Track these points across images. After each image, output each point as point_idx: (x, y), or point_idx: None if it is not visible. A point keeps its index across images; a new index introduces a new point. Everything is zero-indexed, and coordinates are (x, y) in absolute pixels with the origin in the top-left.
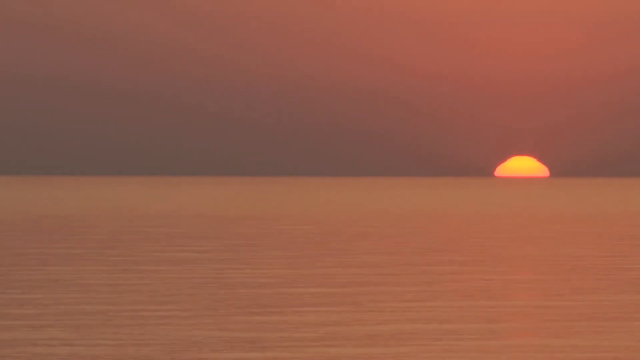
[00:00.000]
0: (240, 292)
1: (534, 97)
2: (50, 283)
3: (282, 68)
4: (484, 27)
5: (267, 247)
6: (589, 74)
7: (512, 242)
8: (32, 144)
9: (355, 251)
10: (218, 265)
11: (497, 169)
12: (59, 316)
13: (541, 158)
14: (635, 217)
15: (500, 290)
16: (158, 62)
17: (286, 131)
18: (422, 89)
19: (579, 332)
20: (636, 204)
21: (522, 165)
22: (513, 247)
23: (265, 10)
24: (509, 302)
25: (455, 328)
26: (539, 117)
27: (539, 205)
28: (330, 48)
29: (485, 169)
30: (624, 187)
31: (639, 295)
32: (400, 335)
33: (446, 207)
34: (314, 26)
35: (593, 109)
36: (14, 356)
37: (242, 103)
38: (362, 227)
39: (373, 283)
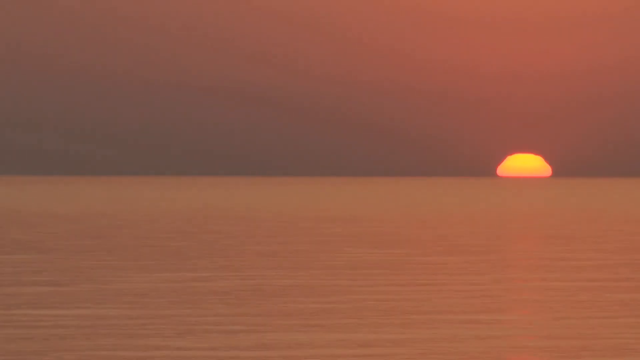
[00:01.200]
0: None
1: (535, 93)
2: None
3: (282, 64)
4: (485, 23)
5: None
6: (594, 68)
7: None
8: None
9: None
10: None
11: (498, 167)
12: None
13: (542, 155)
14: None
15: None
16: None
17: (278, 130)
18: (422, 85)
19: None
20: None
21: (523, 164)
22: None
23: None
24: None
25: None
26: (541, 112)
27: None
28: (331, 45)
29: (485, 168)
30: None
31: None
32: None
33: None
34: (312, 21)
35: (600, 103)
36: None
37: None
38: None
39: None
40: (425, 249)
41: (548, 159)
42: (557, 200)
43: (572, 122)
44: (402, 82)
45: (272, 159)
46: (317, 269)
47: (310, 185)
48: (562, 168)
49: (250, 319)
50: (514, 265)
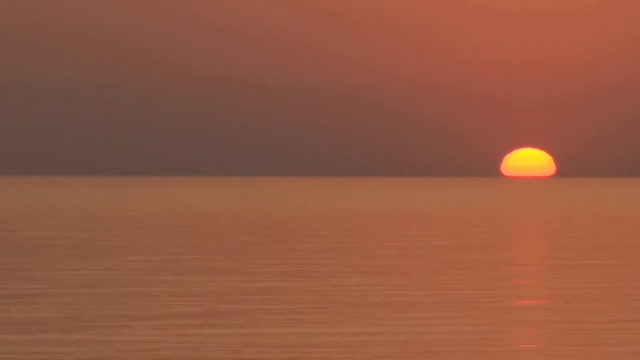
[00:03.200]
0: None
1: (534, 88)
2: None
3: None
4: (486, 20)
5: None
6: (599, 60)
7: None
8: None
9: None
10: None
11: (500, 166)
12: None
13: (544, 150)
14: None
15: None
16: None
17: (276, 131)
18: (420, 81)
19: None
20: None
21: (526, 162)
22: None
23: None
24: None
25: None
26: (540, 106)
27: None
28: (335, 46)
29: (485, 167)
30: None
31: None
32: None
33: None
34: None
35: (606, 97)
36: None
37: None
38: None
39: None
40: None
41: (551, 154)
42: None
43: (574, 117)
44: (400, 77)
45: (264, 160)
46: None
47: (317, 185)
48: (565, 164)
49: None
50: None
